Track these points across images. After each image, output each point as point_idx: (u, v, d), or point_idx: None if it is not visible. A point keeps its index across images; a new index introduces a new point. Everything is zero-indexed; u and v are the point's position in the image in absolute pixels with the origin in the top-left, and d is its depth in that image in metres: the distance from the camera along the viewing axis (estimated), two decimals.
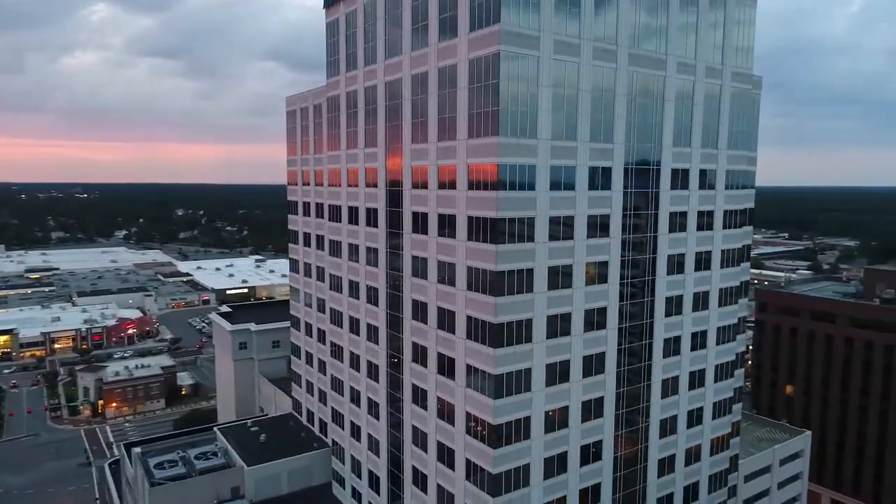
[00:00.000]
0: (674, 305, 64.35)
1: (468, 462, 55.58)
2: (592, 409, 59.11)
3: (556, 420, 56.40)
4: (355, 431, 74.79)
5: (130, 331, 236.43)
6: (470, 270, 53.64)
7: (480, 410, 53.52)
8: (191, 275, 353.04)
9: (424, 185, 58.79)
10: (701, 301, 66.83)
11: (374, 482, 71.51)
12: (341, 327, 76.09)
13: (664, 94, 60.30)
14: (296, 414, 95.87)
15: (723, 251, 68.21)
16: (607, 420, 60.37)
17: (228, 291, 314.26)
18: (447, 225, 56.11)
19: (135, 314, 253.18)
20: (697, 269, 65.86)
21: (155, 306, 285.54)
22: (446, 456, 58.50)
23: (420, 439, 62.18)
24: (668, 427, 65.72)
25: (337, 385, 78.15)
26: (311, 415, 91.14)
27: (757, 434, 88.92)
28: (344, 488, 78.41)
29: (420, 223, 59.89)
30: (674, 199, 62.60)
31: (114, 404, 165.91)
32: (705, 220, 65.98)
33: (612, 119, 56.87)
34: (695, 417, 68.40)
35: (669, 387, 65.19)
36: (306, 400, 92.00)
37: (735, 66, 65.98)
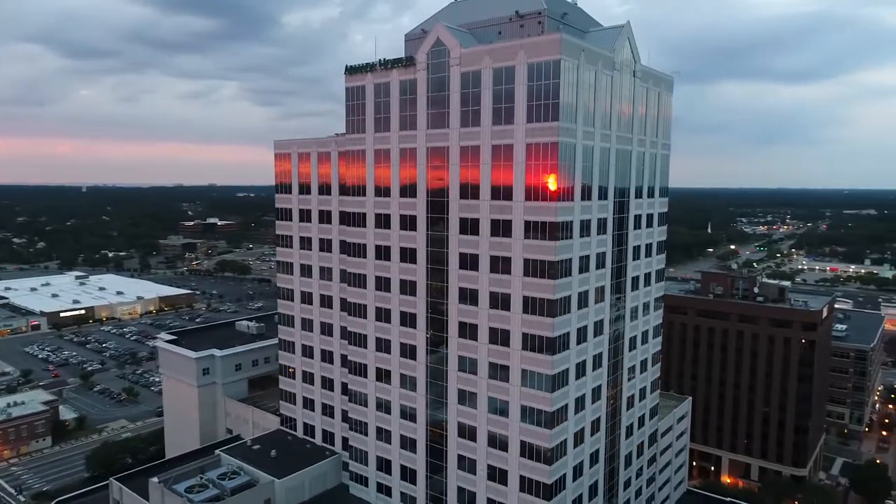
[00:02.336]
0: (633, 313, 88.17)
1: (523, 443, 73.35)
2: (596, 394, 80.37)
3: (579, 404, 76.62)
4: (383, 435, 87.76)
5: None
6: (526, 299, 71.49)
7: (538, 402, 71.67)
8: (4, 297, 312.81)
9: (475, 232, 75.10)
10: (647, 308, 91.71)
11: (407, 475, 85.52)
12: (365, 347, 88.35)
13: (632, 162, 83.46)
14: (285, 429, 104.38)
15: (656, 271, 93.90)
16: (602, 402, 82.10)
17: (62, 314, 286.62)
18: (500, 264, 73.24)
19: None
20: (645, 285, 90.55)
21: None
22: (498, 441, 75.56)
23: (468, 432, 78.23)
24: (631, 402, 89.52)
25: (358, 398, 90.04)
26: (309, 428, 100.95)
27: None
28: (366, 486, 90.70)
29: (469, 262, 76.03)
30: (635, 236, 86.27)
31: None
32: (649, 250, 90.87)
33: (608, 182, 78.48)
34: (643, 393, 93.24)
35: (631, 372, 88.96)
36: (303, 415, 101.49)
37: (662, 137, 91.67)
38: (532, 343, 71.50)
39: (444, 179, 77.49)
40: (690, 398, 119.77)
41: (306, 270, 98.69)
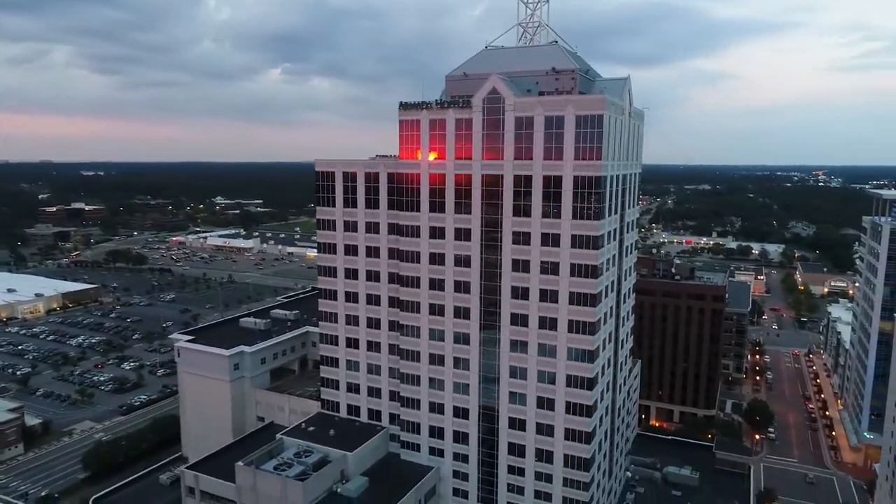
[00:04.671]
0: (624, 298, 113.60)
1: (568, 403, 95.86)
2: (608, 363, 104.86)
3: (604, 370, 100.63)
4: (436, 408, 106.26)
5: None
6: (572, 294, 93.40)
7: (581, 371, 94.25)
8: None
9: (526, 243, 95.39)
10: (629, 294, 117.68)
11: (460, 438, 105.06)
12: (418, 337, 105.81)
13: (627, 181, 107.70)
14: (327, 412, 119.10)
15: (633, 265, 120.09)
16: (611, 368, 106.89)
17: None
18: (549, 267, 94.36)
19: None
20: (629, 276, 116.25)
21: None
22: (545, 404, 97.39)
23: (518, 398, 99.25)
24: (621, 366, 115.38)
25: (411, 379, 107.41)
26: (353, 408, 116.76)
27: None
28: (418, 451, 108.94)
29: (521, 266, 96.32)
30: (627, 238, 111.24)
31: None
32: (632, 248, 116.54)
33: (618, 199, 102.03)
34: (626, 360, 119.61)
35: (620, 345, 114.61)
36: (347, 398, 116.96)
37: (638, 158, 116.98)
38: (577, 327, 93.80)
39: (498, 201, 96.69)
40: (640, 360, 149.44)
41: (351, 273, 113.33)
